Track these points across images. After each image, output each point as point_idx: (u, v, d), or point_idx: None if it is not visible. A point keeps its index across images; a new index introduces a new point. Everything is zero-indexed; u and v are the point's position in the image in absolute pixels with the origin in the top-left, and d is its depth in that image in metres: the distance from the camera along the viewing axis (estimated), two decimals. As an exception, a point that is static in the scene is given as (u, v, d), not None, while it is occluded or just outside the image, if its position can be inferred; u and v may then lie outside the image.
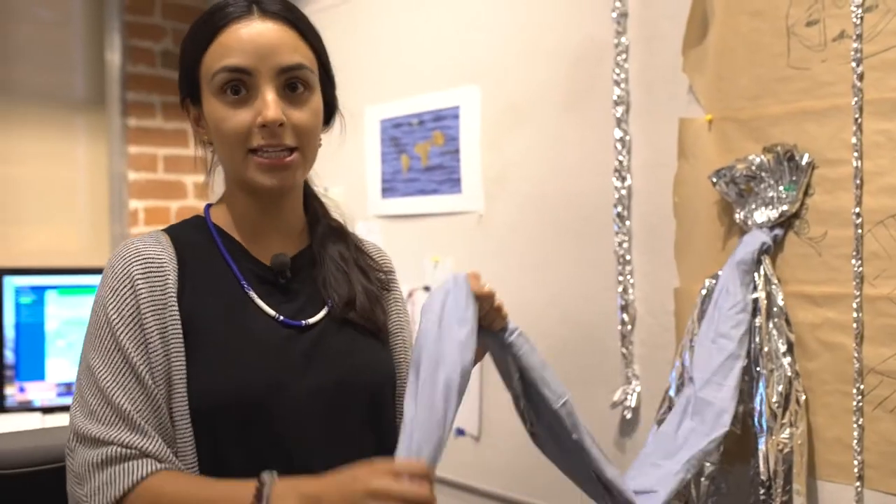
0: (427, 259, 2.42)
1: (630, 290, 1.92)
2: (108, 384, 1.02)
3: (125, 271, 1.06)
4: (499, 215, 2.24)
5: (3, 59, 3.04)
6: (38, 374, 2.71)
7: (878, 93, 1.51)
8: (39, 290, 2.72)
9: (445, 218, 2.37)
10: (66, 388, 2.74)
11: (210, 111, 1.10)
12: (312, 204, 1.25)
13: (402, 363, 1.25)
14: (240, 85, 1.07)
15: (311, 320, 1.15)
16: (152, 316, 1.04)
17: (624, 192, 1.91)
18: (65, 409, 2.72)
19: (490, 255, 2.26)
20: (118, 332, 1.03)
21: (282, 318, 1.13)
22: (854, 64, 1.53)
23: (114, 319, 1.03)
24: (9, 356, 2.68)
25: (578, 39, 2.02)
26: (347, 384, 1.14)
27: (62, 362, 2.74)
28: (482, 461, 2.28)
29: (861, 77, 1.52)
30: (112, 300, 1.05)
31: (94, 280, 2.78)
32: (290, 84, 1.09)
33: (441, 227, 2.39)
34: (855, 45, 1.52)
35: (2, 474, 1.26)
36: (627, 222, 1.92)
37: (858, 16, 1.52)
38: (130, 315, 1.04)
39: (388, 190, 2.55)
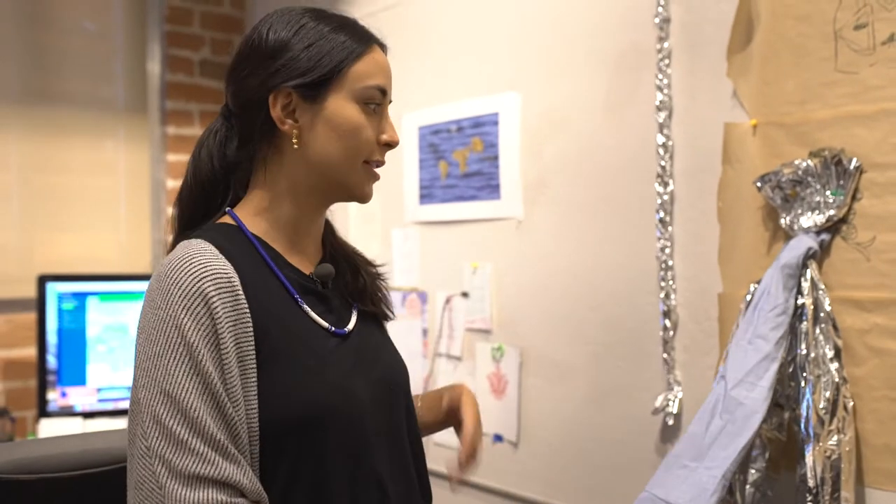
0: (465, 264, 2.42)
1: (672, 296, 1.91)
2: (196, 412, 0.98)
3: (197, 288, 1.01)
4: (538, 221, 2.24)
5: (49, 69, 3.10)
6: (80, 380, 2.75)
7: (929, 96, 1.50)
8: (81, 297, 2.77)
9: (484, 224, 2.38)
10: (107, 394, 2.78)
11: (345, 113, 1.14)
12: None
13: None
14: (375, 103, 1.16)
15: (349, 326, 1.19)
16: (228, 334, 1.02)
17: (666, 197, 1.91)
18: (105, 413, 2.75)
19: (530, 261, 2.26)
20: (199, 356, 0.99)
21: (333, 329, 1.16)
22: (904, 67, 1.52)
23: (193, 341, 1.00)
24: (51, 361, 2.72)
25: (620, 45, 2.02)
26: (390, 383, 1.21)
27: (103, 367, 2.78)
28: (520, 467, 2.27)
29: (911, 81, 1.51)
30: (188, 321, 1.00)
31: (135, 286, 2.83)
32: None
33: (480, 233, 2.39)
34: (904, 48, 1.51)
35: (48, 478, 1.28)
36: (670, 228, 1.91)
37: (908, 19, 1.51)
38: (208, 336, 1.00)
39: (426, 196, 2.56)
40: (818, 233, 1.63)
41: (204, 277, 1.02)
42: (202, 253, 1.05)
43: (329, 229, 1.29)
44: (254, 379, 1.04)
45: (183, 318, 1.00)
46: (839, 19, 1.60)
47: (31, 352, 2.87)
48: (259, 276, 1.10)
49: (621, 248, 2.03)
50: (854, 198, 1.60)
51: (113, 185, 3.27)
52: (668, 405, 1.91)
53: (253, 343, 1.04)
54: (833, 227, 1.62)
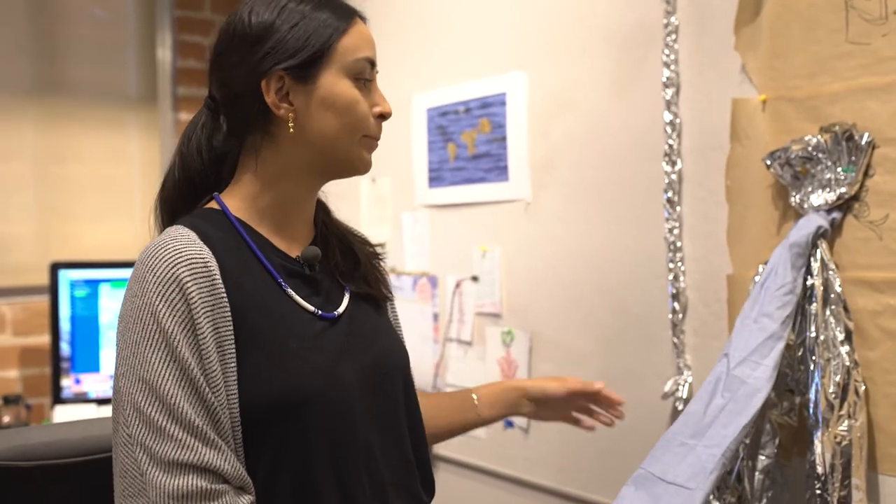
0: (475, 248, 2.39)
1: (681, 278, 1.86)
2: (173, 399, 0.98)
3: (171, 274, 1.00)
4: (546, 203, 2.19)
5: (59, 57, 3.10)
6: (94, 366, 2.76)
7: (943, 66, 1.43)
8: (93, 284, 2.77)
9: (493, 206, 2.34)
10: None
11: (339, 90, 1.12)
12: None
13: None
14: (365, 78, 1.15)
15: (340, 310, 1.17)
16: (205, 319, 1.00)
17: (674, 176, 1.85)
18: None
19: (538, 244, 2.22)
20: (175, 343, 0.98)
21: (320, 312, 1.13)
22: (917, 37, 1.45)
23: (168, 328, 0.99)
24: (65, 348, 2.73)
25: (627, 21, 1.96)
26: (384, 367, 1.19)
27: (116, 354, 2.78)
28: (531, 453, 2.24)
29: (925, 50, 1.45)
30: (163, 308, 0.99)
31: (147, 273, 2.82)
32: None
33: (488, 215, 2.35)
34: (918, 16, 1.45)
35: (47, 465, 1.27)
36: (678, 208, 1.86)
37: (921, -14, 1.44)
38: (184, 322, 0.99)
39: (435, 179, 2.52)
40: (829, 211, 1.57)
41: (178, 263, 1.01)
42: (177, 239, 1.04)
43: (322, 209, 1.26)
44: (233, 364, 1.03)
45: (158, 306, 0.99)
46: (850, -12, 1.54)
47: (46, 339, 2.88)
48: (240, 261, 1.09)
49: (629, 230, 1.98)
50: (866, 174, 1.54)
51: (126, 172, 3.28)
52: (677, 390, 1.86)
53: (231, 328, 1.03)
54: (844, 205, 1.56)
